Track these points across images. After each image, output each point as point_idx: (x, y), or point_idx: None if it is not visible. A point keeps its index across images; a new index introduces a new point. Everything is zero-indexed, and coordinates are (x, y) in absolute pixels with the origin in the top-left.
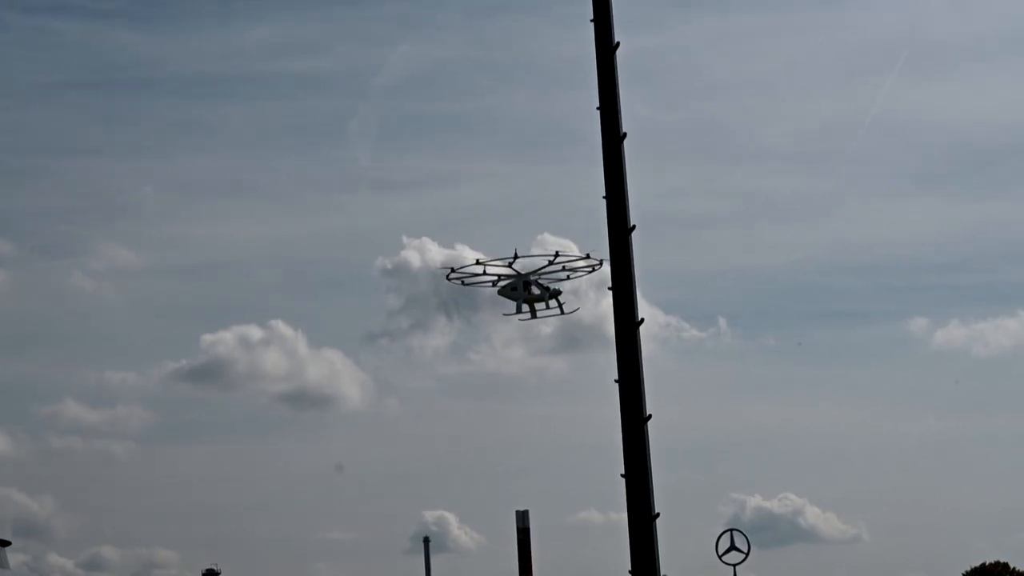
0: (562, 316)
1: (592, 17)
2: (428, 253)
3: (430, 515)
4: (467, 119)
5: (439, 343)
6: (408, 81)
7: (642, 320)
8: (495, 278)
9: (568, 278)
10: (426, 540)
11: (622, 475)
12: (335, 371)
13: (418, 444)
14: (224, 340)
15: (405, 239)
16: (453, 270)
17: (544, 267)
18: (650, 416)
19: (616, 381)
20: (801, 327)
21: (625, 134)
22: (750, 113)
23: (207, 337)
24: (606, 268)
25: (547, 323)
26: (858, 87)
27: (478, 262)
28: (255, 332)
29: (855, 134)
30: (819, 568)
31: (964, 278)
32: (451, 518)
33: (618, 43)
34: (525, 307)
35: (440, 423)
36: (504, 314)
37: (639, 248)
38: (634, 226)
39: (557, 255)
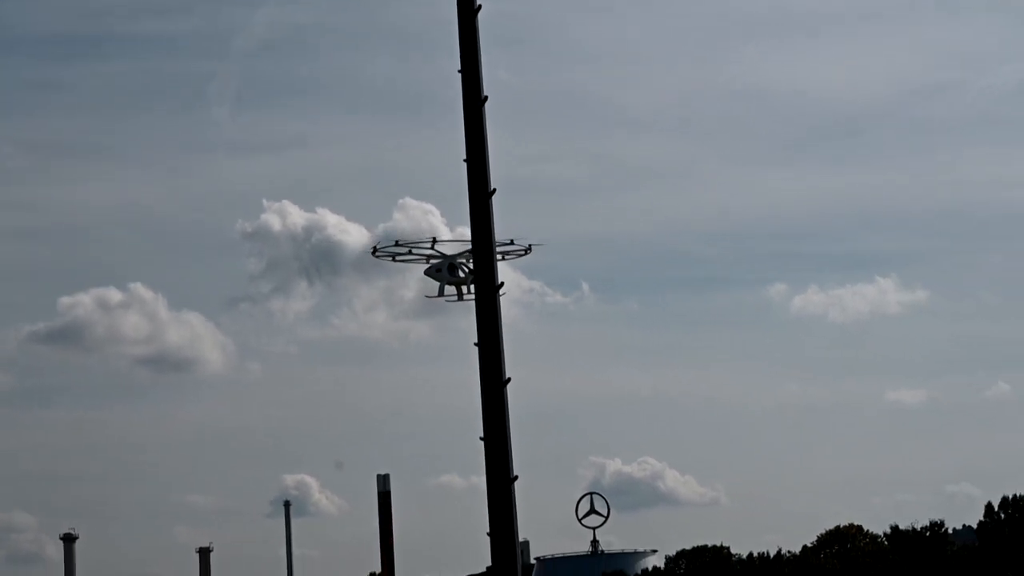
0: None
1: None
2: (289, 216)
3: (291, 479)
4: (328, 82)
5: (301, 307)
6: (268, 44)
7: (502, 284)
8: (425, 256)
9: (503, 258)
10: (287, 504)
11: (481, 438)
12: (196, 334)
13: (279, 408)
14: (83, 303)
15: (265, 202)
16: (376, 249)
17: (466, 251)
18: (509, 380)
19: (476, 345)
20: (662, 293)
21: (486, 97)
22: (613, 80)
23: (65, 300)
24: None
25: (409, 287)
26: (720, 56)
27: (397, 243)
28: (114, 295)
29: (716, 102)
30: (678, 531)
31: (823, 245)
32: (312, 482)
33: (479, 6)
34: (449, 289)
35: (302, 387)
36: (427, 296)
37: (500, 213)
38: (494, 190)
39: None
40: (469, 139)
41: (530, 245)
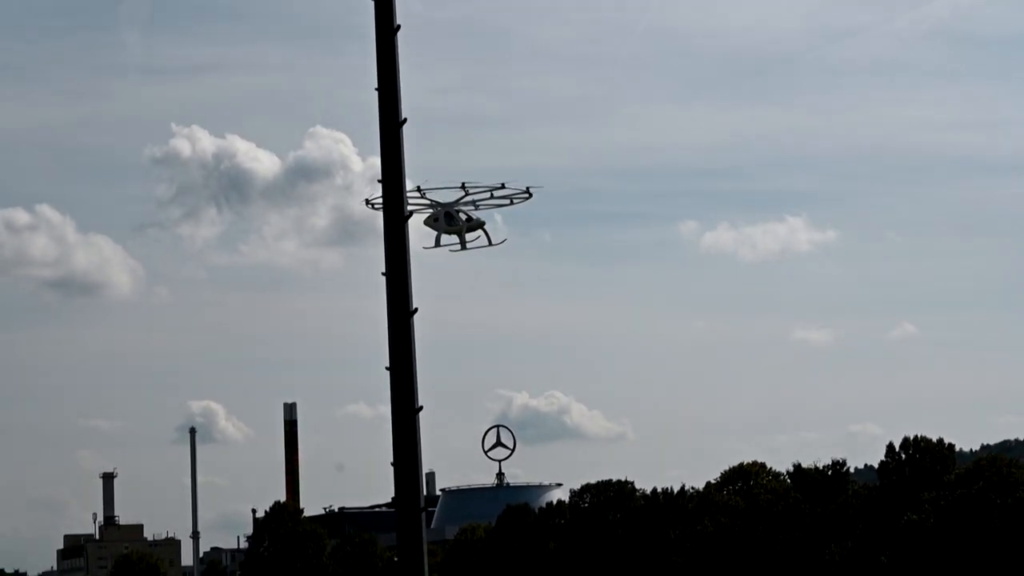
0: (473, 244)
1: None
2: (199, 142)
3: (197, 405)
4: (240, 9)
5: (210, 234)
6: None
7: (411, 214)
8: (428, 204)
9: (511, 203)
10: (192, 431)
11: (387, 368)
12: (104, 258)
13: (187, 334)
14: None
15: (175, 127)
16: (369, 200)
17: (462, 198)
18: (416, 310)
19: (383, 274)
20: (574, 228)
21: (399, 27)
22: (526, 14)
23: None
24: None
25: (320, 215)
26: None
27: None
28: (21, 216)
29: (629, 39)
30: (584, 465)
31: (734, 183)
32: (218, 409)
33: None
34: (446, 238)
35: (210, 314)
36: (424, 247)
37: (411, 143)
38: (405, 119)
39: (464, 185)
40: (381, 68)
41: (528, 188)
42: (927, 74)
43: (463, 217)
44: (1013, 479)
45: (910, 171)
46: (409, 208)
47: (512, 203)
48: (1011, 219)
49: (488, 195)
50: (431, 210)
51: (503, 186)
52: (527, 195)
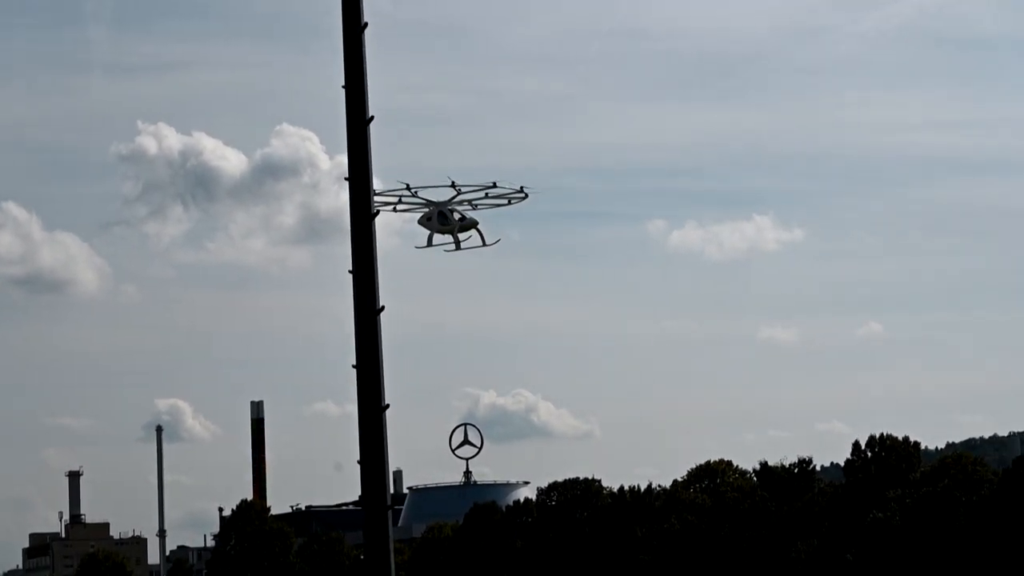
0: (466, 245)
1: None
2: (165, 140)
3: (163, 404)
4: (206, 5)
5: (176, 231)
6: None
7: (377, 212)
8: (421, 203)
9: (509, 203)
10: (159, 429)
11: (354, 366)
12: (71, 256)
13: (154, 333)
14: None
15: (141, 124)
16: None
17: (454, 197)
18: (383, 308)
19: (350, 272)
20: (542, 226)
21: (366, 24)
22: (494, 14)
23: None
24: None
25: (287, 213)
26: None
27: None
28: None
29: (596, 39)
30: (551, 463)
31: (702, 182)
32: (185, 407)
33: None
34: (439, 238)
35: (177, 312)
36: (416, 247)
37: (378, 142)
38: (372, 117)
39: (454, 184)
40: (348, 66)
41: (522, 187)
42: (894, 74)
43: (456, 217)
44: (978, 477)
45: (877, 171)
46: (401, 207)
47: (510, 203)
48: (978, 219)
49: (483, 195)
50: (425, 209)
51: (495, 185)
52: (523, 195)
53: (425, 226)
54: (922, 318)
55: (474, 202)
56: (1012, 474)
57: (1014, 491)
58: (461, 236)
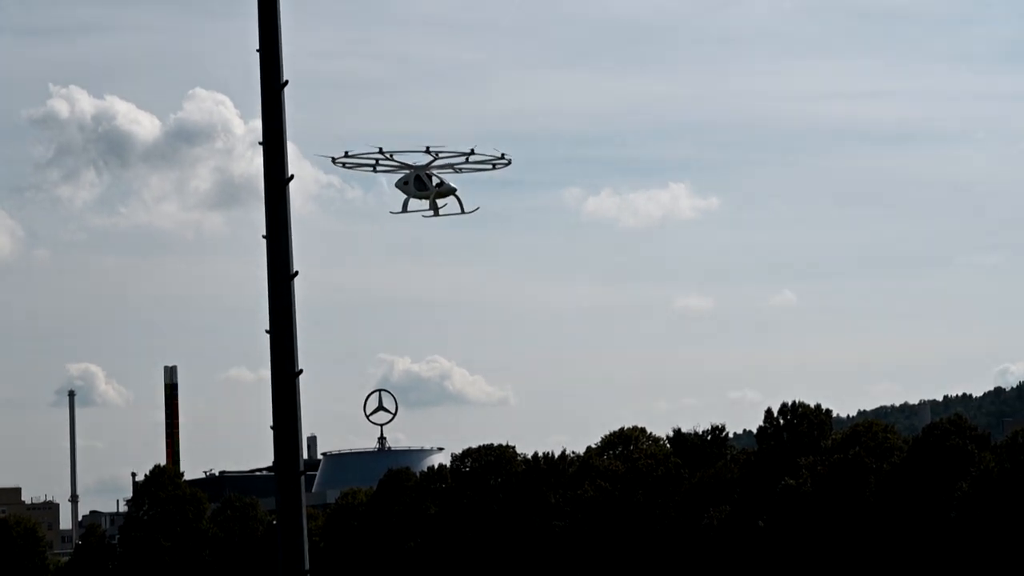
0: (443, 212)
1: None
2: (78, 103)
3: (76, 368)
4: None
5: (89, 196)
6: None
7: (291, 177)
8: (396, 165)
9: (493, 167)
10: (71, 394)
11: (267, 331)
12: None
13: (66, 297)
14: None
15: (52, 87)
16: (346, 154)
17: (432, 161)
18: (296, 273)
19: (264, 237)
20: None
21: None
22: None
23: None
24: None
25: (201, 178)
26: None
27: (346, 154)
28: None
29: (510, 6)
30: (466, 429)
31: (618, 150)
32: (98, 372)
33: None
34: (415, 203)
35: (89, 276)
36: (391, 212)
37: (292, 107)
38: (287, 81)
39: (428, 149)
40: (262, 31)
41: (503, 154)
42: (807, 44)
43: (435, 182)
44: (888, 445)
45: (791, 140)
46: (379, 169)
47: (494, 168)
48: (890, 189)
49: (463, 160)
50: (403, 172)
51: (473, 152)
52: (507, 162)
53: (402, 190)
54: (835, 287)
55: (457, 166)
56: (921, 442)
57: (924, 459)
58: (439, 203)
